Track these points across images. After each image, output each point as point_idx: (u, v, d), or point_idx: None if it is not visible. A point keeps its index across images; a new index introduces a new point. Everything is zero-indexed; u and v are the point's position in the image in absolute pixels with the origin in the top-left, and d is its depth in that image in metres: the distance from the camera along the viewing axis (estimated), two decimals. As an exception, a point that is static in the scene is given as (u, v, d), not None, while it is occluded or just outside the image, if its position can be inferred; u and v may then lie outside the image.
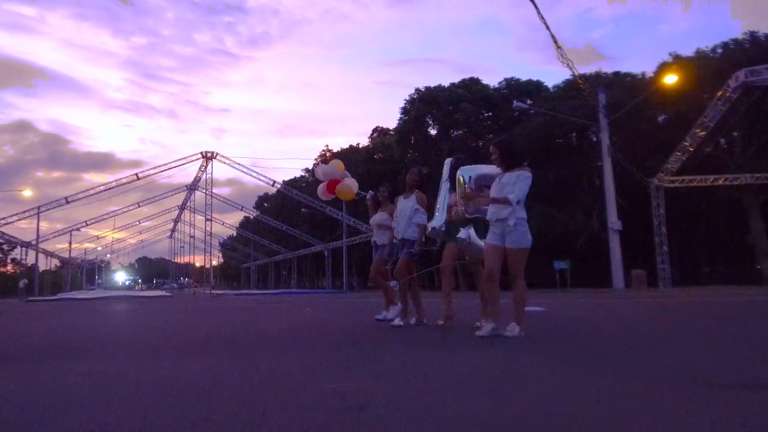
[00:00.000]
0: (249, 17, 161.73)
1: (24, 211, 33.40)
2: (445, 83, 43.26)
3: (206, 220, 32.84)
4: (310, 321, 8.04)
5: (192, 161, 30.91)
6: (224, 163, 32.14)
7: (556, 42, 18.80)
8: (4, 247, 55.26)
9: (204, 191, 33.92)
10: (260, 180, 35.64)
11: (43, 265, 53.77)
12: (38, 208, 34.66)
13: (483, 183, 4.98)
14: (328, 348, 4.37)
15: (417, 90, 43.77)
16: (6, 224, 33.87)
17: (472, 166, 5.22)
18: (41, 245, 39.75)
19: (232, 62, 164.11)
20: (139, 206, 38.83)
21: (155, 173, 31.22)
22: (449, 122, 42.32)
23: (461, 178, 5.03)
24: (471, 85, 42.76)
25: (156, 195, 38.95)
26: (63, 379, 3.10)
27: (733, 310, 9.18)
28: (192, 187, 36.32)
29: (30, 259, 42.74)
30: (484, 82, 43.37)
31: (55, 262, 62.21)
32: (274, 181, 37.36)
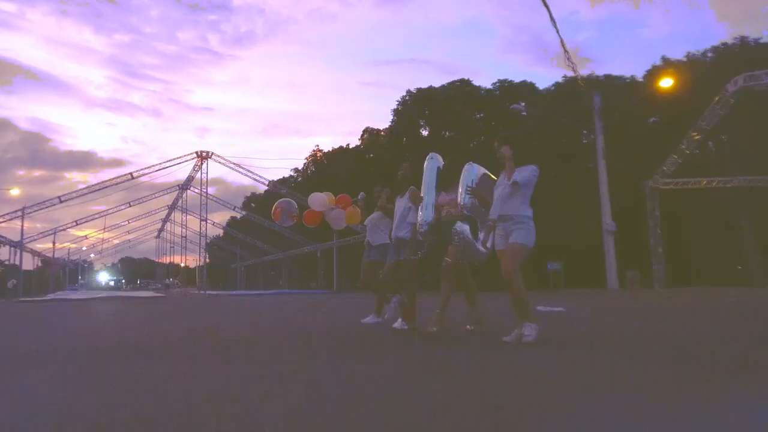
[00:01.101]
0: (234, 16, 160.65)
1: (15, 211, 32.75)
2: (432, 84, 43.78)
3: (201, 220, 32.58)
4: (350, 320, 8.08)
5: (187, 160, 30.74)
6: (219, 162, 31.97)
7: (564, 46, 19.07)
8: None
9: (197, 191, 33.70)
10: (255, 180, 35.46)
11: (25, 266, 52.78)
12: (23, 209, 34.06)
13: (486, 184, 4.97)
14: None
15: (408, 92, 43.99)
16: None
17: (475, 165, 5.21)
18: (28, 245, 39.02)
19: (216, 61, 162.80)
20: (130, 206, 38.32)
21: (149, 172, 30.90)
22: (442, 124, 42.56)
23: (467, 173, 5.01)
24: (462, 86, 43.06)
25: (146, 195, 38.47)
26: (157, 380, 3.06)
27: (746, 308, 9.45)
28: (185, 187, 36.01)
29: (8, 258, 41.89)
30: (475, 83, 43.69)
31: (37, 262, 61.16)
32: (270, 181, 37.17)
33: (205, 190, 31.79)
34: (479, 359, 3.67)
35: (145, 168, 30.76)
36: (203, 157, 30.66)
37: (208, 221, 44.32)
